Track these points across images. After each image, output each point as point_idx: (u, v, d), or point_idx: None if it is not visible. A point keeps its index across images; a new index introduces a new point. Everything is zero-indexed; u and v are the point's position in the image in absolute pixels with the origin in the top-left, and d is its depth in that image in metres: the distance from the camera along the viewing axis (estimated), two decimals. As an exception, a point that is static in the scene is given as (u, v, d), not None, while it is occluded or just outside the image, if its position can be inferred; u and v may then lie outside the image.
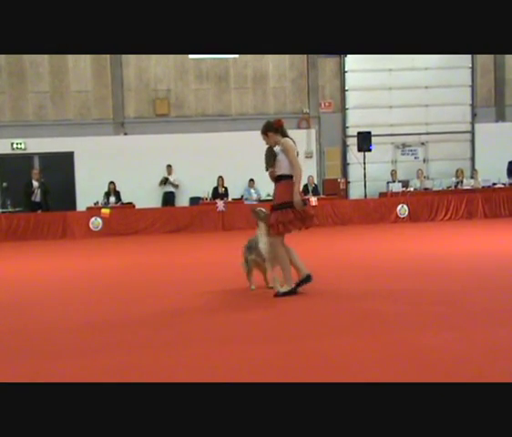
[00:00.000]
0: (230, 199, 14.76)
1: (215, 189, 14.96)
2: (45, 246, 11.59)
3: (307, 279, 5.12)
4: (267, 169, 5.30)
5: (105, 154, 15.32)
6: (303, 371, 3.00)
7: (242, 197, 15.26)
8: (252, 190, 15.29)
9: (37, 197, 13.81)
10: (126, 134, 16.06)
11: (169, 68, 16.27)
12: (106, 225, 13.22)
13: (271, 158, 5.23)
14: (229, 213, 13.97)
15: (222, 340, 3.76)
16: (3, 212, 13.75)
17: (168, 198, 15.20)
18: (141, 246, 11.07)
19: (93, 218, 13.28)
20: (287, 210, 5.08)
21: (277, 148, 5.22)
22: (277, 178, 5.24)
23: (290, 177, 5.13)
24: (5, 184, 14.38)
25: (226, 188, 15.05)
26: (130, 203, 14.48)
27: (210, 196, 14.79)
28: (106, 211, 12.96)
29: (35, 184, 13.84)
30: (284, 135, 5.28)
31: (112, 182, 14.55)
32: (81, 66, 15.85)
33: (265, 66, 16.63)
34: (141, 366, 3.24)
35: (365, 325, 4.00)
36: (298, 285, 5.12)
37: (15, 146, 15.32)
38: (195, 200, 15.21)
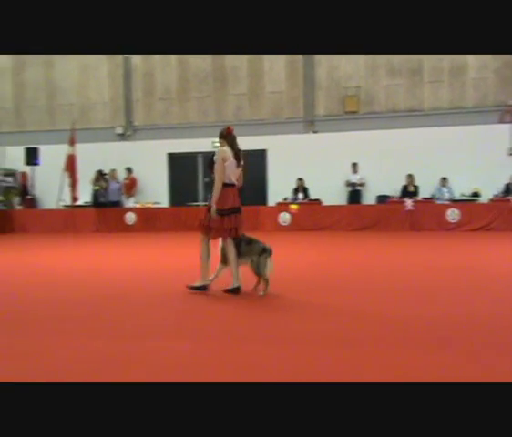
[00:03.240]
0: (419, 198, 14.11)
1: (404, 188, 14.45)
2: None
3: (203, 288, 5.37)
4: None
5: (295, 151, 15.89)
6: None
7: (433, 196, 14.46)
8: (445, 189, 14.40)
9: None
10: (315, 132, 16.43)
11: (360, 65, 16.16)
12: (293, 220, 13.74)
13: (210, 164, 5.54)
14: (417, 213, 13.39)
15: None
16: (205, 205, 15.21)
17: (354, 197, 15.14)
18: (327, 242, 11.23)
19: (282, 214, 13.92)
20: (230, 216, 5.29)
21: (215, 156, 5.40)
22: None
23: (227, 184, 5.33)
24: (206, 179, 15.91)
25: (416, 187, 14.41)
26: (317, 200, 14.79)
27: (399, 194, 14.33)
28: (294, 207, 13.46)
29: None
30: (230, 143, 5.41)
31: (300, 179, 15.03)
32: (276, 69, 16.66)
33: (464, 57, 15.46)
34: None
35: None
36: (197, 288, 5.38)
37: (216, 144, 16.77)
38: (382, 199, 14.89)
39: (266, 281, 5.28)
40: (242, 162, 5.52)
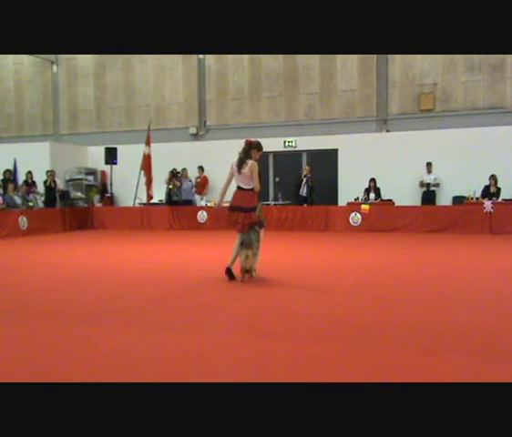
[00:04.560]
0: (499, 200, 13.39)
1: (486, 188, 13.72)
2: (309, 237, 12.46)
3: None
4: None
5: (366, 151, 15.59)
6: None
7: (515, 198, 13.67)
8: (528, 191, 13.57)
9: (304, 191, 14.94)
10: (388, 131, 16.04)
11: (437, 62, 15.59)
12: (365, 220, 13.48)
13: None
14: (497, 215, 12.72)
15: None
16: (275, 204, 15.29)
17: (428, 197, 14.62)
18: (399, 243, 10.94)
19: (353, 214, 13.70)
20: (234, 212, 6.27)
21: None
22: None
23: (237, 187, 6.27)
24: (277, 179, 15.97)
25: (499, 188, 13.65)
26: (390, 200, 14.43)
27: (478, 195, 13.66)
28: (365, 207, 13.19)
29: (304, 179, 14.97)
30: (241, 152, 6.19)
31: (373, 179, 14.72)
32: (348, 67, 16.42)
33: (551, 50, 14.48)
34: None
35: None
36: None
37: (287, 144, 16.82)
38: (458, 200, 14.28)
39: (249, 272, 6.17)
40: (245, 170, 6.09)
